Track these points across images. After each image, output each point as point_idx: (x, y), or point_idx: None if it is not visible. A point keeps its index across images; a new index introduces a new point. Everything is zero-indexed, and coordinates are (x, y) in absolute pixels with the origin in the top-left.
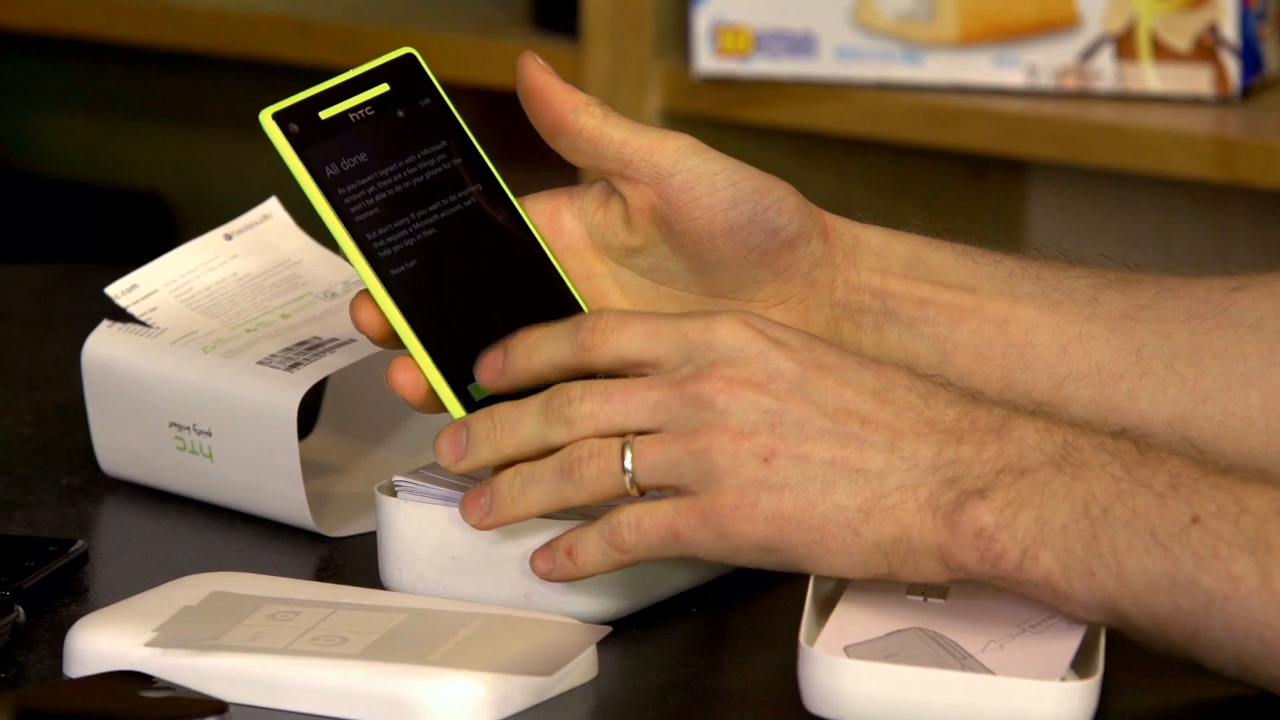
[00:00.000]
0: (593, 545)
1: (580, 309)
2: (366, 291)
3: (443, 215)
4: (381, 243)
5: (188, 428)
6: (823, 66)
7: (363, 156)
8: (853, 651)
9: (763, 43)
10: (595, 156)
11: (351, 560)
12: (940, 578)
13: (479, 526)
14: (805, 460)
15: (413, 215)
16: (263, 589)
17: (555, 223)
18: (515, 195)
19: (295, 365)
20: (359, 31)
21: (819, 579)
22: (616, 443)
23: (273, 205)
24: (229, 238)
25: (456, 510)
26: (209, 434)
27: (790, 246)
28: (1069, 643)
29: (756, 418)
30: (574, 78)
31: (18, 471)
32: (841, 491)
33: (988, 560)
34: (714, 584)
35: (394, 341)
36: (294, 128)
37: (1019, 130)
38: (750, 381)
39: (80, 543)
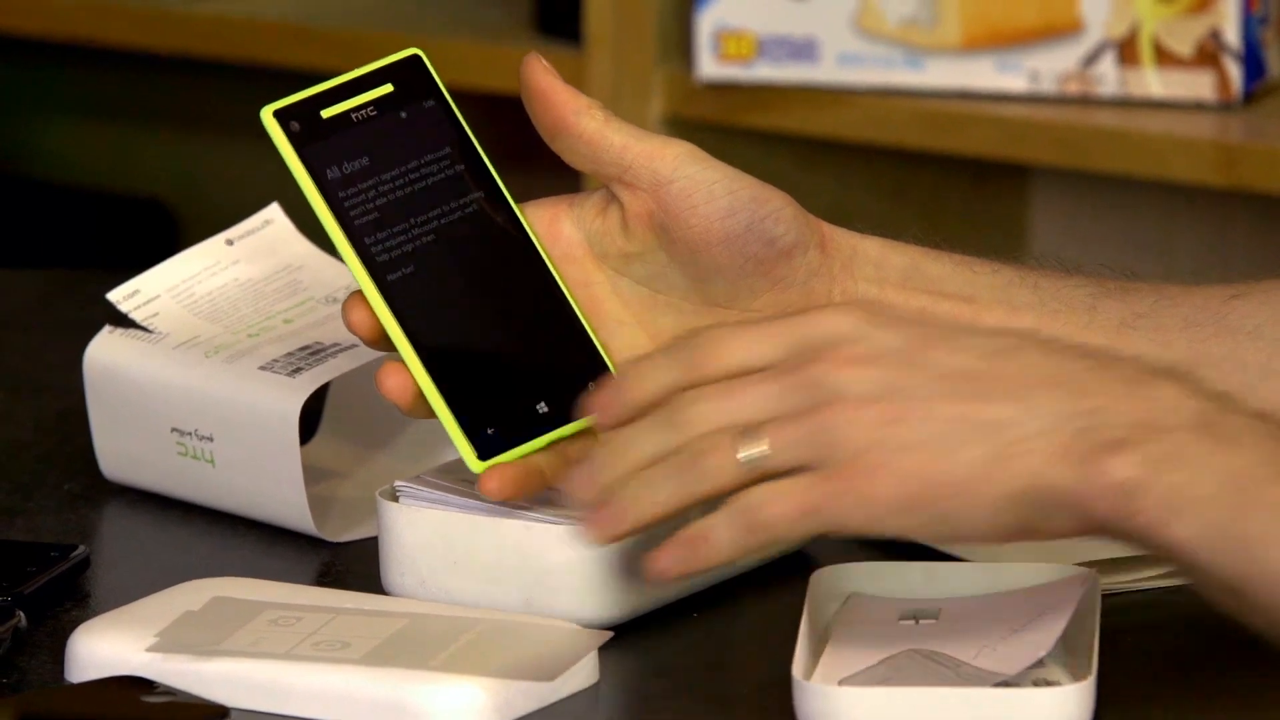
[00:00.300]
0: (724, 532)
1: (577, 319)
2: (359, 292)
3: (442, 221)
4: (379, 246)
5: (189, 433)
6: (825, 72)
7: (364, 158)
8: (848, 680)
9: (765, 48)
10: (594, 160)
11: (353, 565)
12: (1073, 532)
13: (605, 541)
14: (931, 419)
15: (412, 220)
16: (264, 594)
17: (554, 229)
18: (516, 202)
19: (297, 370)
20: (360, 37)
21: (812, 613)
22: (739, 430)
23: (274, 211)
24: (230, 243)
25: (458, 515)
26: (210, 439)
27: (787, 256)
28: (1053, 630)
29: (874, 389)
30: (576, 83)
31: (19, 477)
32: (973, 443)
33: (1124, 515)
34: (715, 588)
35: (385, 343)
36: (295, 126)
37: (1021, 135)
38: (863, 358)
39: (82, 548)
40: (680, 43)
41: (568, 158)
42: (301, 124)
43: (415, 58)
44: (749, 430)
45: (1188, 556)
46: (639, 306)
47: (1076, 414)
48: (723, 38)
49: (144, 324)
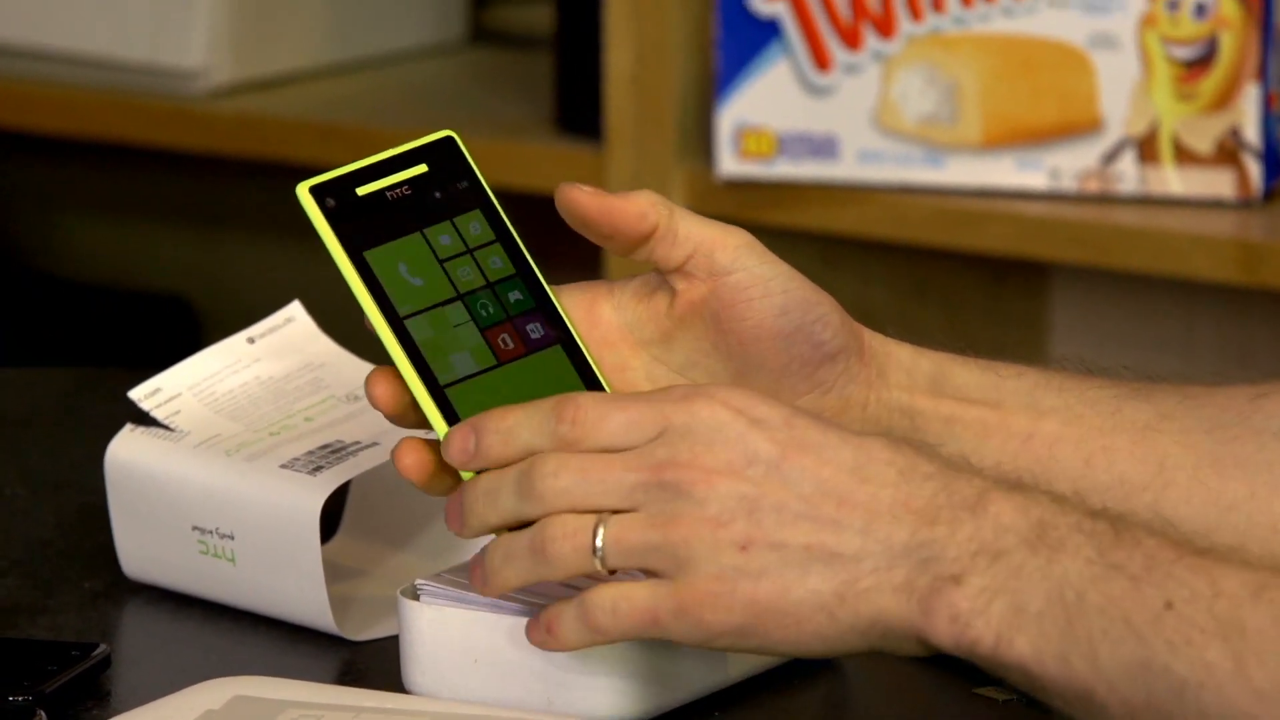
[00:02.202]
0: (570, 623)
1: None
2: (384, 367)
3: (476, 300)
4: (414, 322)
5: (210, 531)
6: (845, 169)
7: (398, 236)
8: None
9: (785, 145)
10: (663, 256)
11: (374, 664)
12: (921, 654)
13: (480, 593)
14: (781, 547)
15: (446, 298)
16: (285, 693)
17: (592, 314)
18: (550, 285)
19: (318, 469)
20: (380, 134)
21: None
22: (590, 521)
23: (295, 309)
24: (252, 341)
25: (479, 614)
26: (231, 537)
27: (830, 360)
28: None
29: (733, 505)
30: (596, 180)
31: (40, 574)
32: (817, 576)
33: (963, 645)
34: (737, 687)
35: (408, 419)
36: (330, 202)
37: (1041, 233)
38: (728, 468)
39: (103, 646)
40: (700, 140)
41: (636, 256)
42: (337, 200)
43: (449, 139)
44: (603, 520)
45: (1031, 672)
46: (695, 354)
47: (918, 545)
48: (743, 135)
49: (165, 422)
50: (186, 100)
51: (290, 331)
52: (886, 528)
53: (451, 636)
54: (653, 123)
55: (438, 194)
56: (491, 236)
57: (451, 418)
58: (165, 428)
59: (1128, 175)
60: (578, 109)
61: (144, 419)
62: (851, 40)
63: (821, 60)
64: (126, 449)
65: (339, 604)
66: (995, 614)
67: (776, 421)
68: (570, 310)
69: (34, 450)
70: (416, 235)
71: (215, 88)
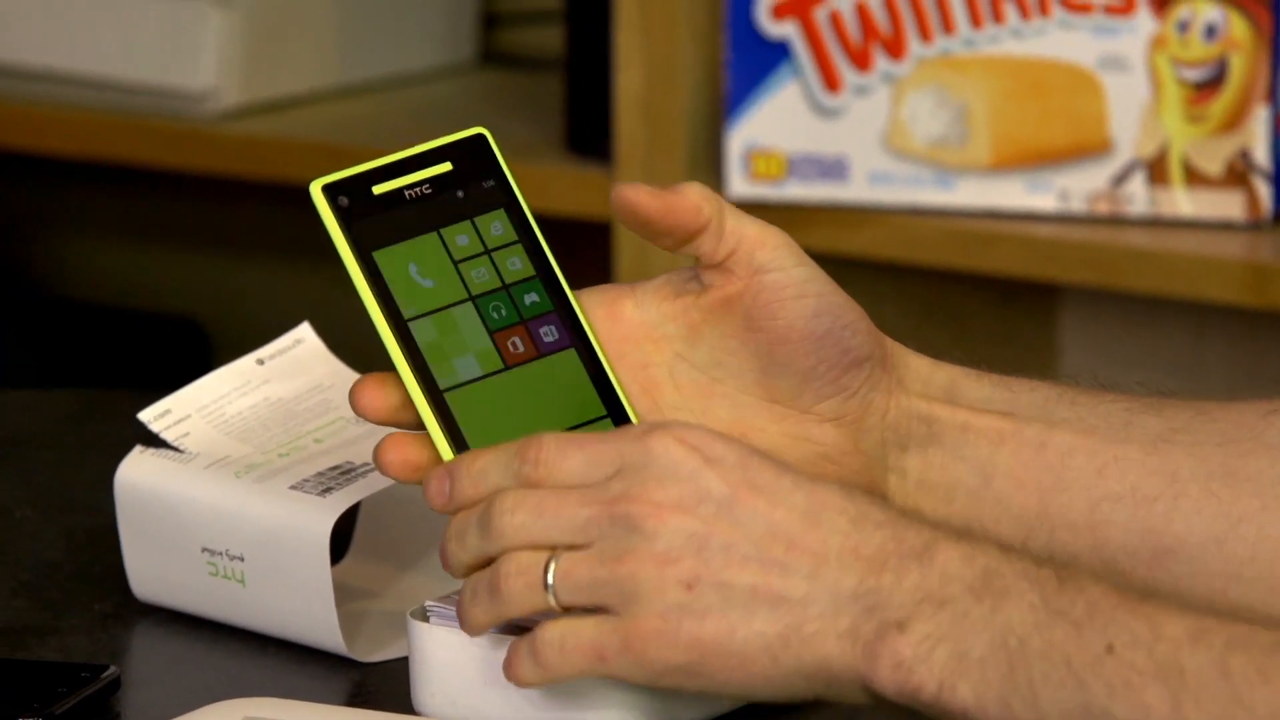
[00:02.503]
0: (524, 660)
1: (626, 414)
2: (372, 374)
3: (491, 304)
4: (421, 330)
5: (220, 553)
6: (855, 191)
7: (413, 237)
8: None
9: (795, 167)
10: (709, 251)
11: (384, 685)
12: (864, 701)
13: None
14: (727, 587)
15: (458, 303)
16: (295, 715)
17: (614, 311)
18: (571, 288)
19: (328, 490)
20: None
21: None
22: (542, 558)
23: (305, 330)
24: (261, 363)
25: (489, 635)
26: (241, 559)
27: (856, 367)
28: None
29: (682, 543)
30: (607, 202)
31: (50, 596)
32: (762, 619)
33: (906, 692)
34: (755, 705)
35: (399, 425)
36: (343, 201)
37: (1051, 255)
38: (679, 504)
39: (112, 668)
40: (710, 162)
41: (683, 251)
42: (350, 199)
43: (480, 136)
44: (555, 557)
45: (973, 718)
46: (695, 393)
47: (865, 593)
48: (753, 157)
49: (175, 444)
50: (196, 122)
51: (300, 353)
52: (834, 574)
53: (461, 658)
54: (663, 144)
55: (460, 193)
56: (514, 237)
57: (449, 423)
58: (175, 449)
59: (1137, 197)
60: (588, 131)
61: (153, 440)
62: (861, 62)
63: (831, 82)
64: (136, 470)
65: (349, 625)
66: (938, 661)
67: (731, 461)
68: (591, 310)
69: (43, 472)
70: (432, 235)
71: (225, 110)
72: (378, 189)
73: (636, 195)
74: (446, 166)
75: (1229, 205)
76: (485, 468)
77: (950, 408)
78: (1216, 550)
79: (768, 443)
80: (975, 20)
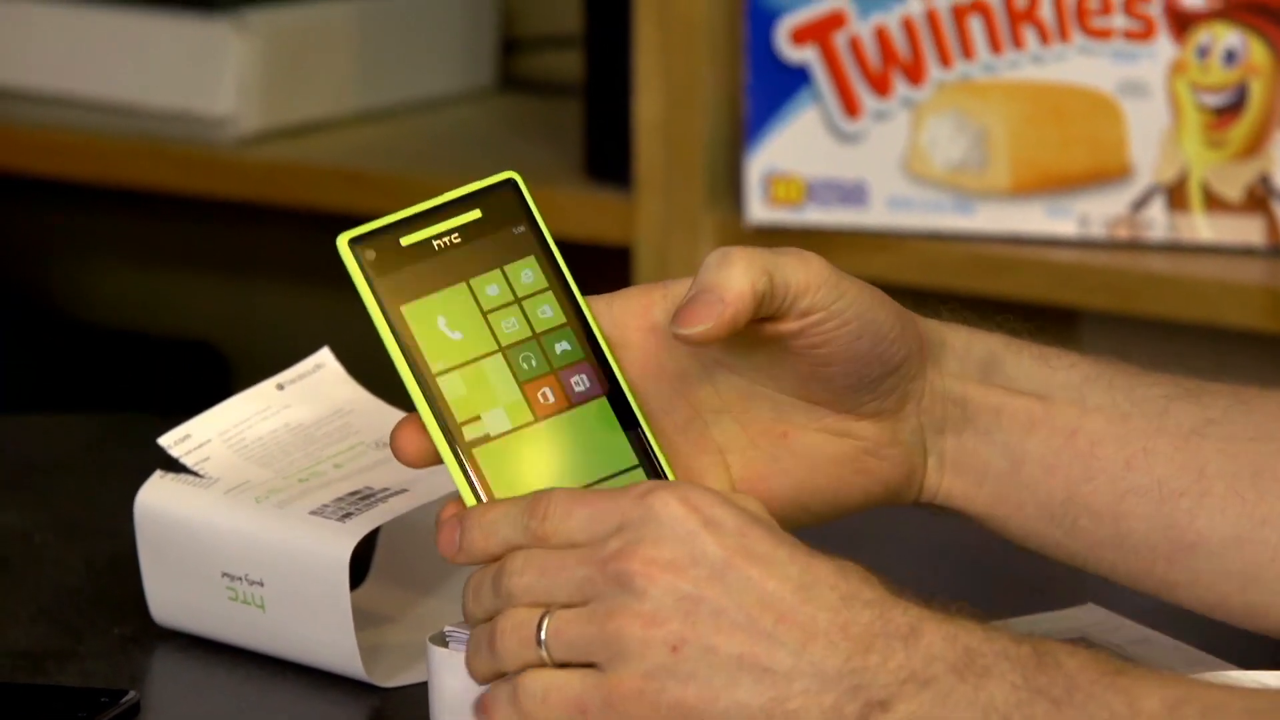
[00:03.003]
0: (504, 706)
1: (659, 464)
2: (411, 417)
3: (521, 358)
4: (450, 389)
5: (240, 578)
6: (874, 216)
7: (442, 290)
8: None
9: (814, 192)
10: (772, 330)
11: (403, 710)
12: None
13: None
14: (713, 653)
15: (487, 358)
16: None
17: (647, 318)
18: (603, 333)
19: (347, 515)
20: (409, 181)
21: None
22: (536, 615)
23: (325, 355)
24: (281, 388)
25: None
26: (261, 584)
27: (895, 371)
28: None
29: (671, 604)
30: (626, 227)
31: (70, 621)
32: (745, 689)
33: None
34: None
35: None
36: (370, 255)
37: (1071, 280)
38: (672, 564)
39: (132, 693)
40: (730, 186)
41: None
42: (377, 252)
43: (510, 182)
44: (549, 613)
45: None
46: (734, 397)
47: (850, 672)
48: (772, 181)
49: (195, 469)
50: (216, 147)
51: (319, 378)
52: (821, 651)
53: (479, 684)
54: (682, 170)
55: (490, 241)
56: (544, 284)
57: (477, 478)
58: (195, 474)
59: (1157, 222)
60: (607, 156)
61: (173, 465)
62: (881, 87)
63: (851, 107)
64: (156, 495)
65: (368, 650)
66: None
67: (730, 527)
68: (623, 316)
69: (64, 497)
70: (461, 286)
71: (244, 135)
72: (405, 240)
73: (700, 331)
74: (476, 214)
75: (1249, 230)
76: (496, 520)
77: (984, 388)
78: (1237, 550)
79: (808, 440)
80: (995, 45)
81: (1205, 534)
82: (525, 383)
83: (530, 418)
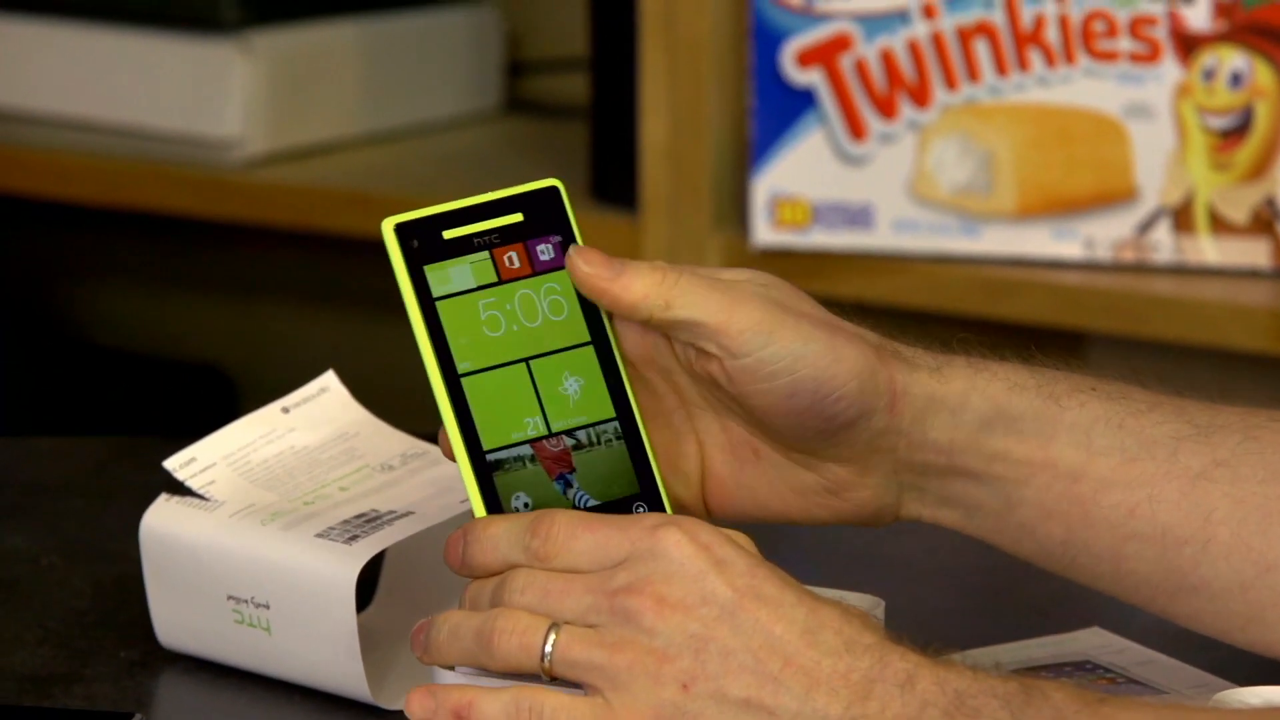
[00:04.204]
0: (499, 715)
1: (659, 497)
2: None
3: (540, 360)
4: (472, 380)
5: (245, 601)
6: (880, 239)
7: (476, 285)
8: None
9: (820, 215)
10: (666, 344)
11: None
12: None
13: (420, 659)
14: (722, 695)
15: (510, 358)
16: None
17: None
18: (622, 356)
19: (353, 538)
20: (415, 203)
21: None
22: (544, 624)
23: (330, 379)
24: (287, 411)
25: (511, 682)
26: (267, 607)
27: (848, 427)
28: None
29: (681, 642)
30: (632, 249)
31: (76, 644)
32: None
33: None
34: None
35: None
36: (414, 243)
37: (1077, 302)
38: (682, 603)
39: (138, 716)
40: (736, 209)
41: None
42: (421, 241)
43: (553, 189)
44: (556, 626)
45: None
46: (717, 402)
47: (847, 719)
48: (778, 204)
49: (200, 492)
50: (222, 170)
51: (325, 401)
52: (824, 698)
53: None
54: (688, 192)
55: (527, 246)
56: (572, 298)
57: (487, 484)
58: (200, 497)
59: (1163, 245)
60: (613, 178)
61: (179, 488)
62: (887, 110)
63: (857, 129)
64: (161, 519)
65: (374, 672)
66: None
67: (740, 567)
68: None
69: (70, 519)
70: (495, 288)
71: (251, 157)
72: (449, 234)
73: (578, 268)
74: (517, 217)
75: (1254, 253)
76: (497, 536)
77: (979, 437)
78: (1240, 595)
79: (776, 462)
80: (1001, 68)
81: (1208, 579)
82: (544, 394)
83: (546, 431)
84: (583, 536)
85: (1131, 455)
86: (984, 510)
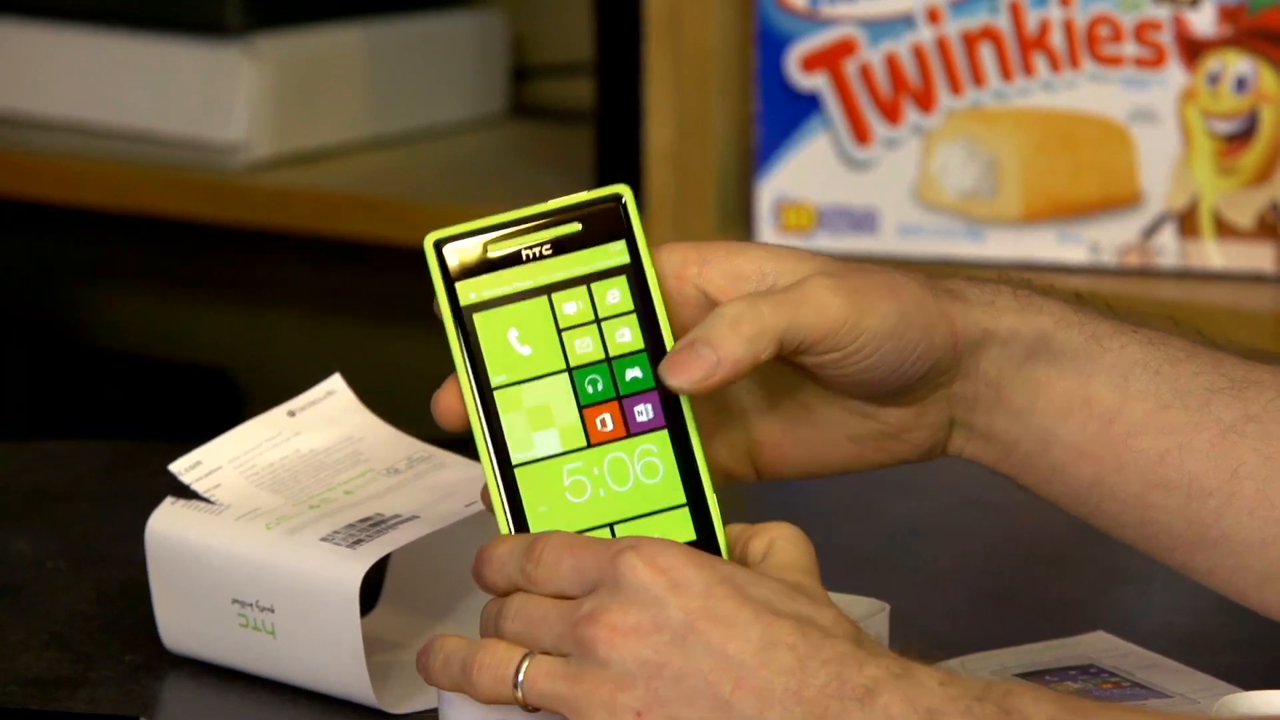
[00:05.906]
0: None
1: (707, 506)
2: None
3: (585, 384)
4: (510, 413)
5: (250, 604)
6: (885, 243)
7: (519, 304)
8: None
9: (825, 219)
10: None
11: None
12: None
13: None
14: (675, 719)
15: (554, 384)
16: None
17: (680, 282)
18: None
19: (358, 542)
20: (423, 209)
21: None
22: (517, 656)
23: (336, 382)
24: (292, 414)
25: (502, 710)
26: (271, 610)
27: (919, 379)
28: None
29: (635, 670)
30: None
31: (81, 647)
32: None
33: None
34: None
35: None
36: (454, 258)
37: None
38: (636, 630)
39: None
40: (741, 213)
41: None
42: (462, 255)
43: (619, 196)
44: (529, 657)
45: None
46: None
47: None
48: (783, 208)
49: (206, 495)
50: (228, 174)
51: (331, 404)
52: (777, 715)
53: (488, 710)
54: (693, 196)
55: (582, 256)
56: (629, 307)
57: (513, 498)
58: (206, 501)
59: (1168, 249)
60: (618, 183)
61: (184, 492)
62: (891, 114)
63: (861, 134)
64: (167, 522)
65: (379, 676)
66: None
67: (696, 589)
68: (660, 268)
69: (75, 523)
70: (541, 299)
71: (256, 161)
72: (493, 248)
73: (687, 382)
74: (575, 227)
75: (1260, 257)
76: (504, 557)
77: (1023, 372)
78: (1260, 551)
79: (829, 415)
80: (1006, 73)
81: (1230, 533)
82: (586, 406)
83: (583, 443)
84: (566, 560)
85: (1165, 402)
86: (1020, 449)
